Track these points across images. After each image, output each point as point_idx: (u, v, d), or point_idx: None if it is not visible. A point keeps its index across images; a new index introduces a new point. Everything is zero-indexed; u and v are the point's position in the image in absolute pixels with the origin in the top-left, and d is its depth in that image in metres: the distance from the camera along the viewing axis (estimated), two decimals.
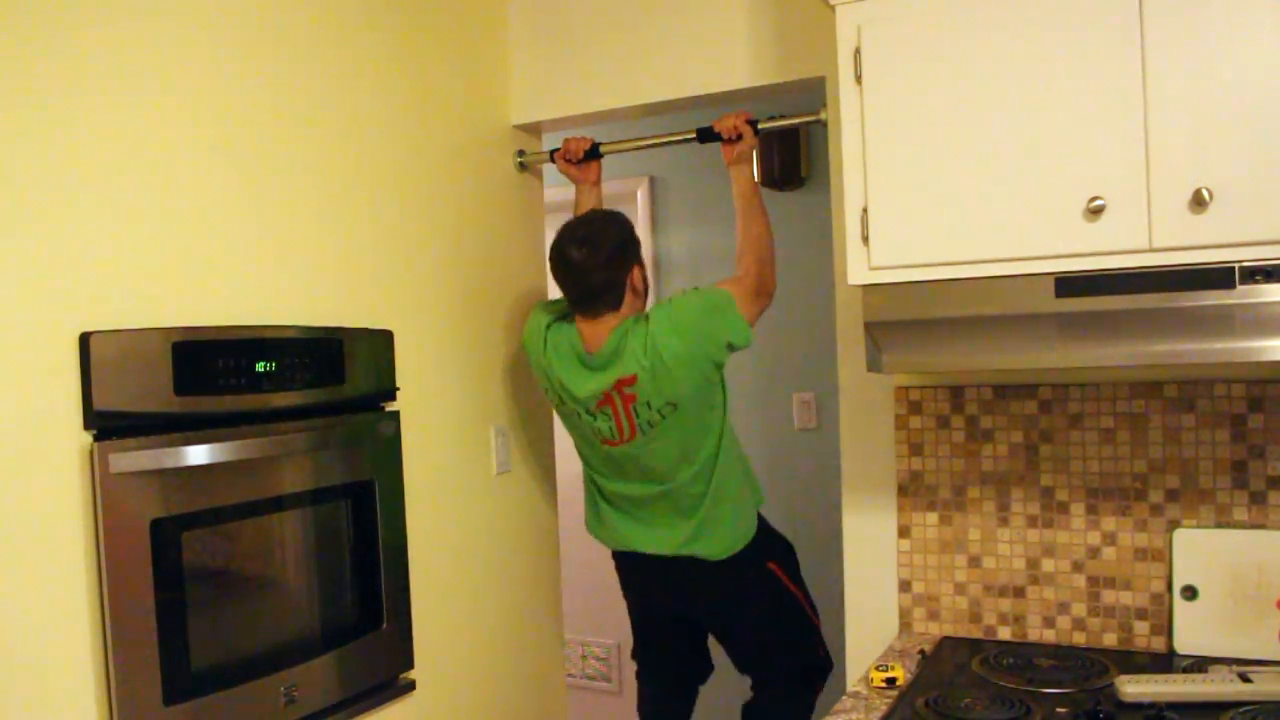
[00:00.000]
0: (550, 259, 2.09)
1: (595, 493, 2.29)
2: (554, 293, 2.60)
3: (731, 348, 2.05)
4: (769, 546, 2.24)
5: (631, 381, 2.00)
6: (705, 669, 2.46)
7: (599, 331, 2.06)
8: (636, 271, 2.09)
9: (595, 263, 2.01)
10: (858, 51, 1.75)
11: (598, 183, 2.40)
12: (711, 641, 2.40)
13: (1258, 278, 1.52)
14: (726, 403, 2.16)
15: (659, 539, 2.18)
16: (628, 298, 2.07)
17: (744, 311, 2.06)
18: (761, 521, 2.24)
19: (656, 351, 1.99)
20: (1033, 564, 2.02)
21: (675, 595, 2.28)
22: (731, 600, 2.21)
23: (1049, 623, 2.01)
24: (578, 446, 2.25)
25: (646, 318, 2.04)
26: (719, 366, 2.07)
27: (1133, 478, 1.94)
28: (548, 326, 2.15)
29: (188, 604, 1.59)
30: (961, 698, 1.68)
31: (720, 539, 2.15)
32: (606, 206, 2.66)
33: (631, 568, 2.32)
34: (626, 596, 2.41)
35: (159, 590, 1.54)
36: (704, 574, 2.17)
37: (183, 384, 1.57)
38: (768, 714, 2.30)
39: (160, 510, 1.54)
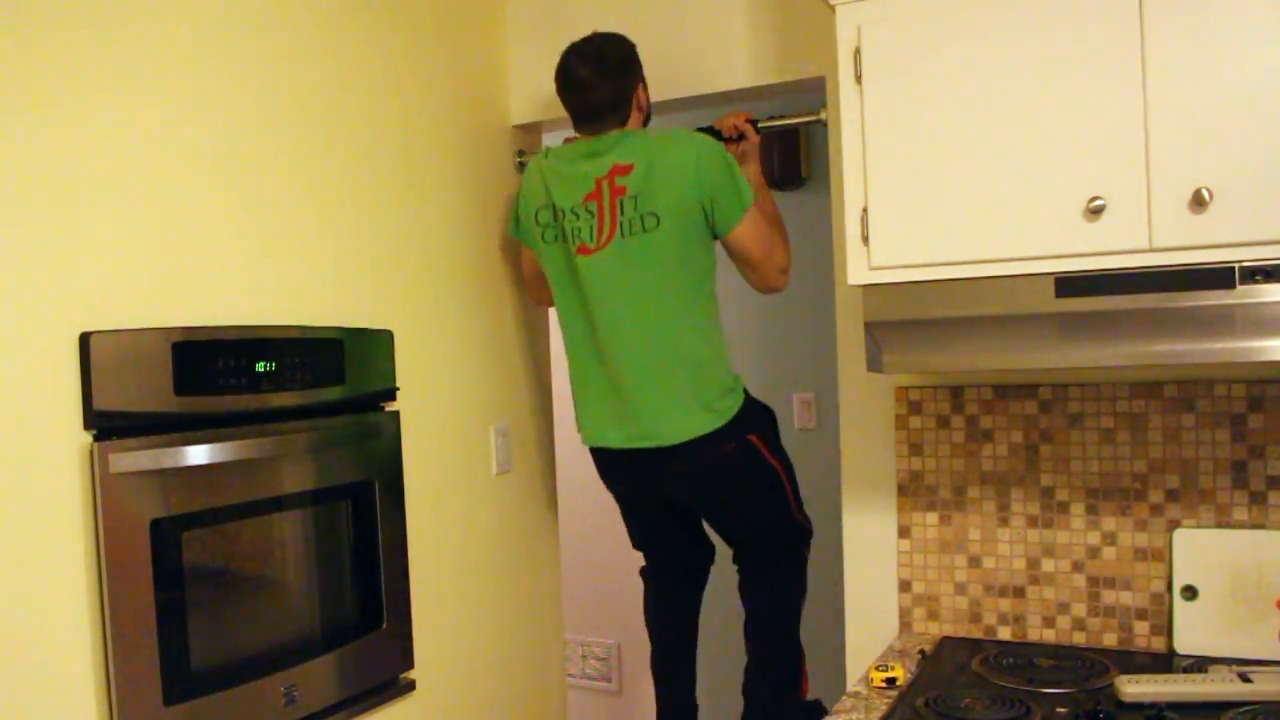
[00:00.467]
0: (556, 79, 2.09)
1: (575, 377, 2.23)
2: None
3: (715, 206, 2.01)
4: (750, 418, 2.17)
5: (627, 170, 1.98)
6: (705, 551, 2.45)
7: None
8: (641, 89, 2.10)
9: (603, 77, 2.03)
10: (858, 51, 1.75)
11: None
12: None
13: (1258, 278, 1.52)
14: (712, 277, 2.11)
15: (634, 423, 2.10)
16: (633, 115, 2.08)
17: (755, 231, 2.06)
18: (745, 393, 2.18)
19: (662, 148, 1.99)
20: (1033, 564, 2.02)
21: (655, 481, 2.22)
22: (713, 476, 2.16)
23: (1049, 623, 2.01)
24: (557, 294, 2.18)
25: (660, 131, 2.05)
26: (706, 216, 2.03)
27: (1133, 478, 1.94)
28: (547, 154, 2.16)
29: (188, 604, 1.59)
30: (961, 698, 1.68)
31: (689, 412, 2.07)
32: None
33: (607, 459, 2.27)
34: (610, 489, 2.37)
35: (159, 590, 1.54)
36: (682, 454, 2.10)
37: (183, 384, 1.57)
38: (759, 583, 2.30)
39: (160, 510, 1.54)
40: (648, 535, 2.43)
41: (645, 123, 2.20)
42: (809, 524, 2.34)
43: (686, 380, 2.07)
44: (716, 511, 2.31)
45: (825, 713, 2.28)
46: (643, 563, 2.49)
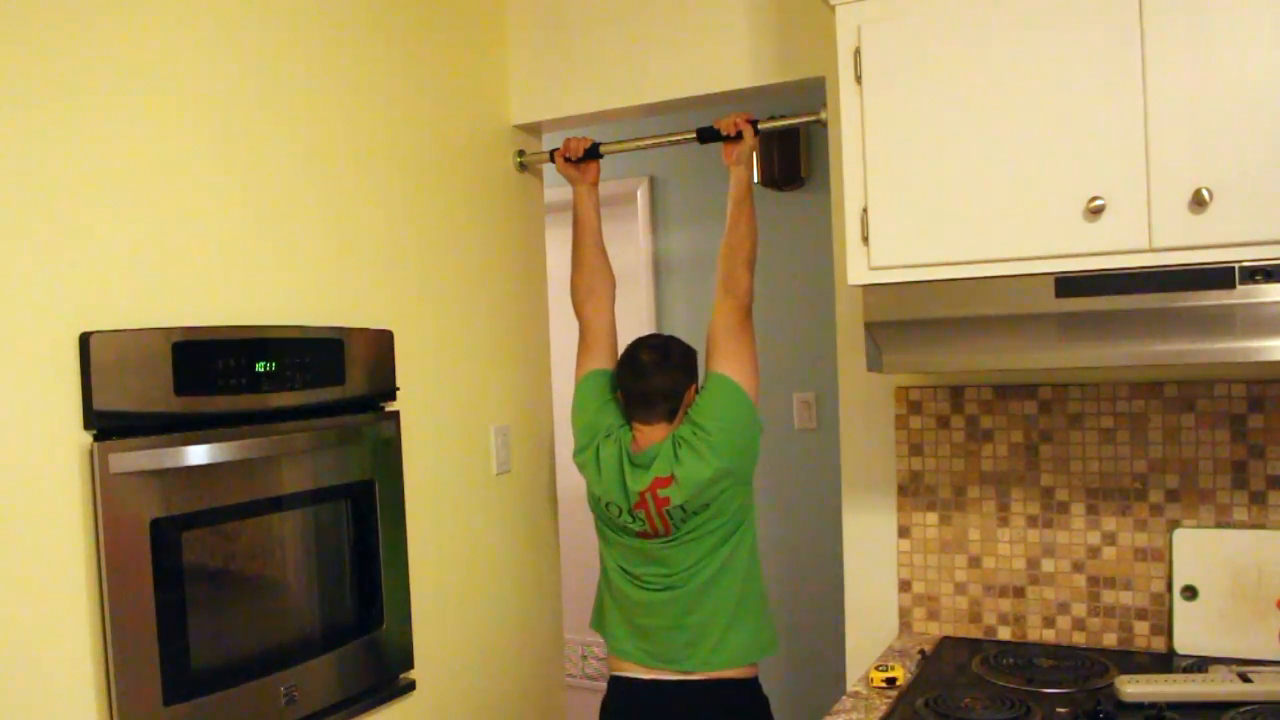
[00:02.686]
0: (621, 362, 2.18)
1: (608, 592, 2.25)
2: (554, 297, 2.61)
3: (755, 447, 2.13)
4: (762, 699, 2.18)
5: (666, 483, 2.05)
6: None
7: (652, 436, 2.12)
8: (693, 389, 2.16)
9: (662, 368, 2.11)
10: (858, 51, 1.75)
11: (596, 184, 2.40)
12: None
13: (1258, 278, 1.52)
14: (753, 507, 2.18)
15: (661, 649, 2.13)
16: (681, 411, 2.14)
17: (748, 365, 2.13)
18: (764, 702, 2.18)
19: (689, 474, 2.04)
20: (1033, 564, 2.02)
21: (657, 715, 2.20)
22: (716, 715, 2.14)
23: (1049, 623, 2.01)
24: (600, 532, 2.24)
25: (674, 442, 2.09)
26: (746, 482, 2.13)
27: (1133, 478, 1.94)
28: (606, 435, 2.19)
29: (188, 604, 1.59)
30: (961, 698, 1.68)
31: (719, 648, 2.10)
32: (606, 207, 2.66)
33: (617, 693, 2.23)
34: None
35: (159, 590, 1.54)
36: (690, 691, 2.11)
37: (183, 384, 1.57)
38: None
39: (160, 510, 1.54)
40: None
41: None
42: None
43: (721, 623, 2.11)
44: None
45: None
46: None
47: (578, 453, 2.23)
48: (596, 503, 2.20)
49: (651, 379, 2.10)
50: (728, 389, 2.09)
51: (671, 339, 2.20)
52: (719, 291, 2.15)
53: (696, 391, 2.18)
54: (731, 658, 2.10)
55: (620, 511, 2.13)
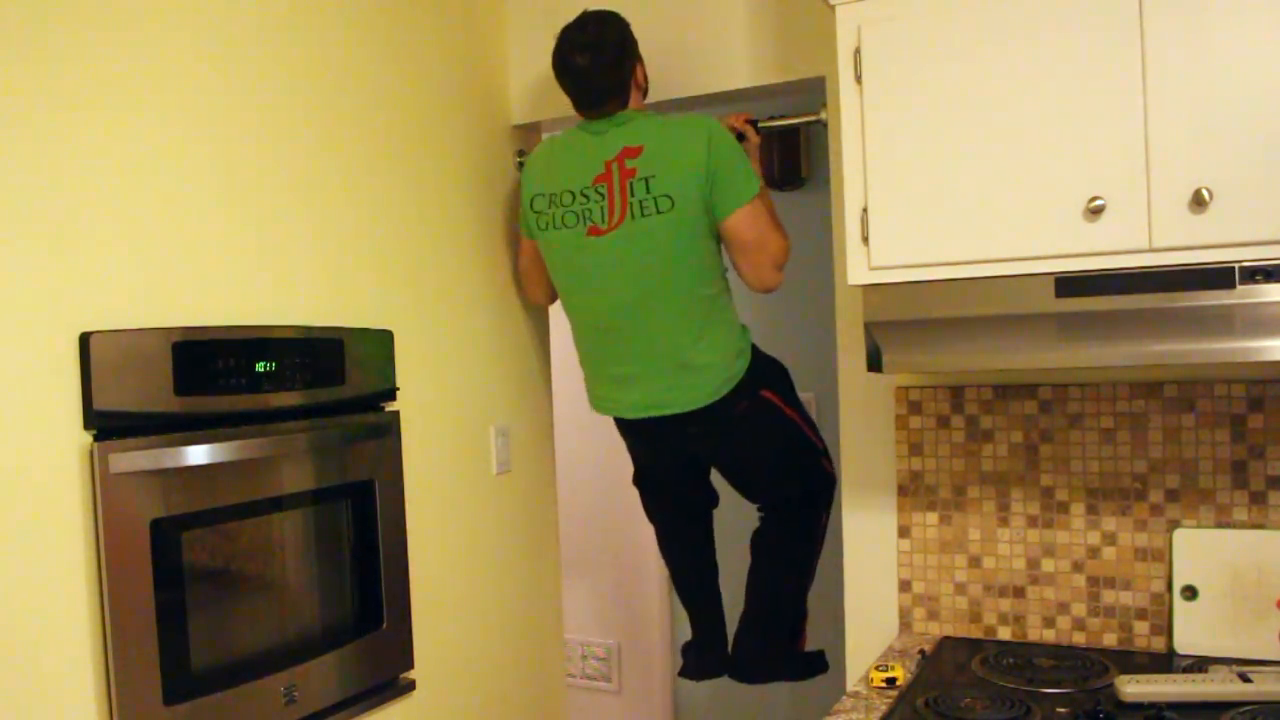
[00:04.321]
0: (554, 66, 2.09)
1: (583, 351, 2.24)
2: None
3: (714, 186, 2.00)
4: (762, 374, 2.17)
5: (636, 153, 1.98)
6: (710, 500, 2.44)
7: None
8: (639, 68, 2.11)
9: (601, 65, 2.03)
10: (858, 52, 1.75)
11: None
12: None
13: (1258, 278, 1.52)
14: (721, 260, 2.12)
15: (644, 392, 2.12)
16: (634, 96, 2.09)
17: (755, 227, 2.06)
18: (754, 350, 2.18)
19: (672, 129, 1.98)
20: (1033, 564, 2.02)
21: (672, 442, 2.23)
22: (729, 435, 2.16)
23: (1049, 623, 2.01)
24: (560, 277, 2.18)
25: (670, 115, 2.05)
26: (707, 210, 2.03)
27: (1133, 478, 1.94)
28: (551, 144, 2.16)
29: (188, 604, 1.59)
30: (961, 698, 1.68)
31: (702, 384, 2.08)
32: None
33: (625, 425, 2.28)
34: (625, 438, 2.36)
35: (159, 590, 1.54)
36: (696, 418, 2.11)
37: (183, 384, 1.57)
38: (777, 540, 2.27)
39: (160, 510, 1.54)
40: (653, 472, 2.40)
41: (644, 97, 2.20)
42: (834, 475, 2.29)
43: (698, 353, 2.08)
44: (738, 469, 2.27)
45: (826, 667, 2.27)
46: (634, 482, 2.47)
47: (521, 203, 2.20)
48: (547, 205, 2.10)
49: (591, 79, 2.04)
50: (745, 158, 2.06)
51: (600, 25, 2.07)
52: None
53: (644, 67, 2.13)
54: (722, 386, 2.09)
55: (574, 197, 2.05)
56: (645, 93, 2.21)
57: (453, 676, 2.21)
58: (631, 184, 2.00)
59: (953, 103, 1.69)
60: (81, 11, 1.50)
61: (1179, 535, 1.89)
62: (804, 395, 3.44)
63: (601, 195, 2.04)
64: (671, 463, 2.34)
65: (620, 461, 2.57)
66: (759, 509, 2.31)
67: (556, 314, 2.67)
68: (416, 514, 2.09)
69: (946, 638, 2.06)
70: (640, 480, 2.45)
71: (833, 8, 1.78)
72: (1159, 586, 1.92)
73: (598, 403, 2.26)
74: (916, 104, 1.71)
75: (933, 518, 2.10)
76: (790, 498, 2.25)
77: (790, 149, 3.40)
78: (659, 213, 2.01)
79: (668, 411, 2.12)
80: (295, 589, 1.81)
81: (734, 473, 2.30)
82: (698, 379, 2.09)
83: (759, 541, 2.31)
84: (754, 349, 2.18)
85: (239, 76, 1.76)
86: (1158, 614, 1.93)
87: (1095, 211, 1.59)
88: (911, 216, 1.73)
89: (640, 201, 2.01)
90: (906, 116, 1.72)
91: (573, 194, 2.09)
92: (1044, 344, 1.67)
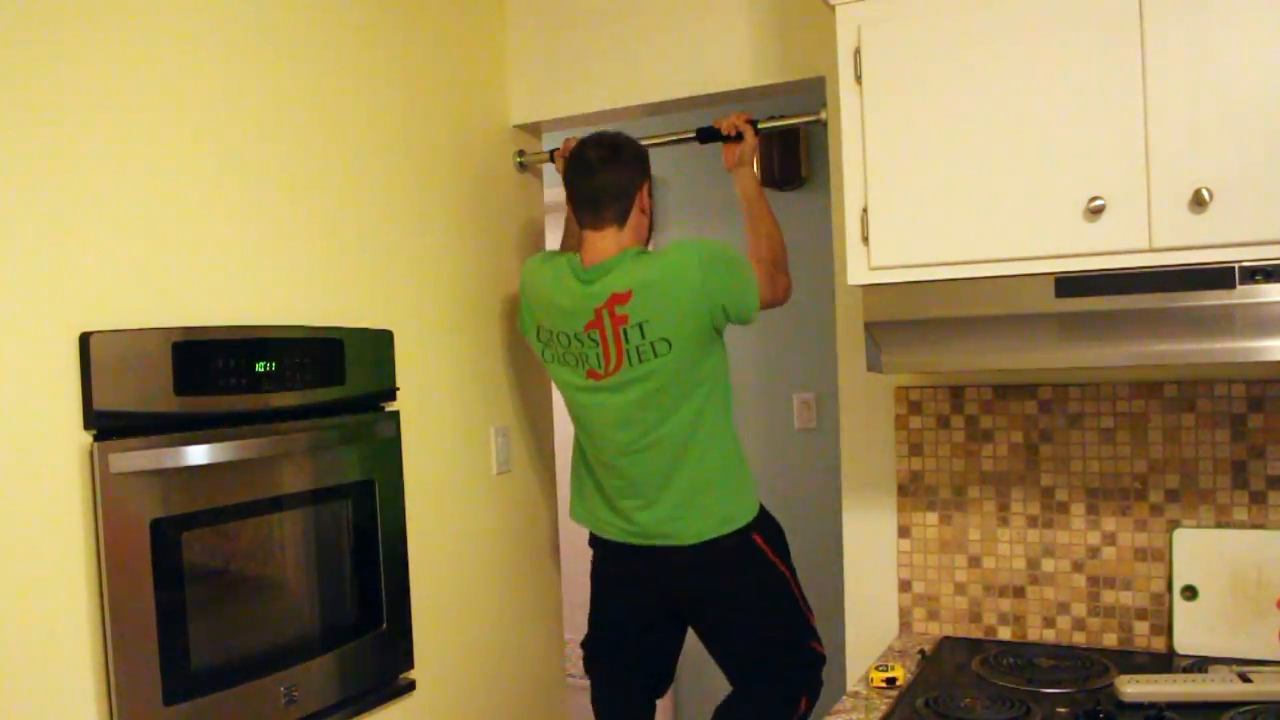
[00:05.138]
0: (567, 163, 2.10)
1: (581, 467, 2.23)
2: None
3: (727, 315, 2.00)
4: (755, 522, 2.11)
5: (625, 299, 1.93)
6: (665, 678, 2.29)
7: (602, 247, 2.02)
8: (646, 189, 2.08)
9: (611, 164, 2.03)
10: (858, 52, 1.75)
11: None
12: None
13: (1258, 278, 1.52)
14: (726, 379, 2.09)
15: (637, 520, 2.09)
16: (634, 215, 2.04)
17: (763, 273, 2.05)
18: (760, 506, 2.15)
19: (659, 270, 1.94)
20: (1033, 564, 2.02)
21: (650, 582, 2.15)
22: (710, 575, 2.09)
23: (1049, 623, 2.01)
24: (568, 407, 2.17)
25: (649, 252, 2.01)
26: (717, 328, 2.01)
27: (1133, 478, 1.94)
28: (544, 259, 2.16)
29: (188, 604, 1.59)
30: (961, 698, 1.68)
31: (703, 519, 2.05)
32: None
33: (607, 554, 2.23)
34: (595, 584, 2.27)
35: (159, 590, 1.54)
36: (681, 555, 2.08)
37: (183, 384, 1.57)
38: (741, 715, 2.11)
39: (160, 510, 1.54)
40: (615, 622, 2.26)
41: (649, 230, 2.16)
42: (822, 654, 2.16)
43: (702, 487, 2.07)
44: (717, 619, 2.14)
45: None
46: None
47: (524, 276, 2.18)
48: (549, 315, 2.08)
49: (599, 175, 2.01)
50: (728, 246, 2.02)
51: (621, 135, 2.09)
52: None
53: (650, 193, 2.11)
54: (716, 527, 2.06)
55: (570, 338, 2.03)
56: (650, 229, 2.16)
57: (453, 676, 2.21)
58: (624, 331, 1.96)
59: (953, 103, 1.69)
60: (82, 11, 1.50)
61: (1179, 535, 1.89)
62: (804, 395, 3.47)
63: (595, 342, 2.00)
64: (646, 611, 2.21)
65: None
66: (732, 683, 2.16)
67: None
68: (416, 514, 2.09)
69: (946, 638, 2.06)
70: (593, 644, 2.31)
71: (833, 8, 1.79)
72: (1159, 586, 1.92)
73: (586, 520, 2.22)
74: (916, 104, 1.71)
75: (933, 518, 2.10)
76: (769, 670, 2.11)
77: (790, 149, 3.40)
78: (657, 356, 1.97)
79: (666, 543, 2.09)
80: (295, 589, 1.81)
81: (709, 626, 2.17)
82: (700, 513, 2.06)
83: (723, 716, 2.14)
84: (760, 506, 2.16)
85: (239, 77, 1.76)
86: (1158, 614, 1.93)
87: (1095, 211, 1.59)
88: (911, 216, 1.73)
89: (636, 348, 1.97)
90: (906, 116, 1.72)
91: (568, 337, 2.05)
92: (1044, 344, 1.67)
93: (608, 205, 2.02)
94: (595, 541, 2.26)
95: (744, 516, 2.09)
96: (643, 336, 1.96)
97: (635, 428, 2.06)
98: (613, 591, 2.25)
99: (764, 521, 2.15)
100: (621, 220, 2.03)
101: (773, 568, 2.12)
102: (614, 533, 2.18)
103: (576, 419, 2.18)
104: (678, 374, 2.00)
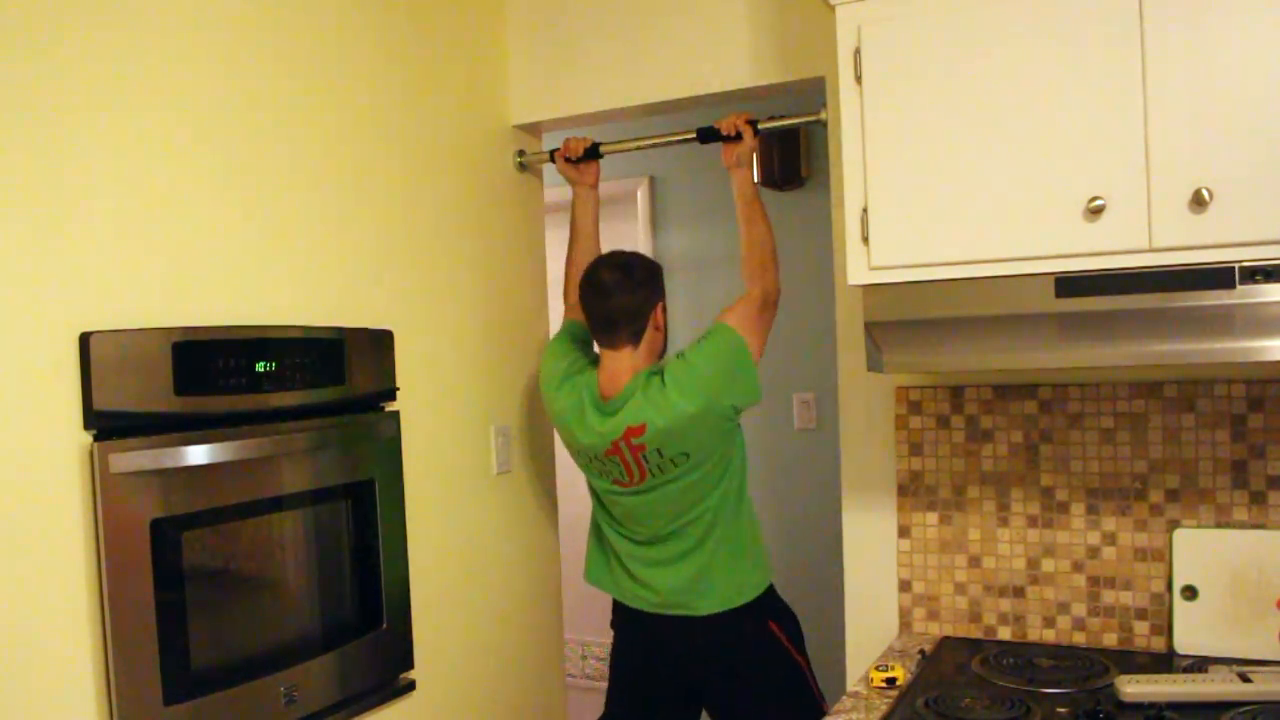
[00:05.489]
0: (581, 284, 2.14)
1: (599, 538, 2.27)
2: (553, 298, 2.61)
3: (738, 410, 2.08)
4: (772, 606, 2.18)
5: (640, 431, 2.01)
6: None
7: (617, 371, 2.08)
8: (660, 307, 2.13)
9: (626, 286, 2.07)
10: (858, 52, 1.75)
11: (595, 185, 2.40)
12: None
13: (1258, 278, 1.52)
14: (743, 454, 2.16)
15: (658, 588, 2.14)
16: (648, 333, 2.10)
17: (753, 340, 2.07)
18: (770, 587, 2.19)
19: (668, 410, 2.00)
20: (1033, 564, 2.02)
21: (669, 657, 2.19)
22: (726, 656, 2.14)
23: (1049, 623, 2.01)
24: (588, 482, 2.23)
25: (661, 375, 2.05)
26: (730, 420, 2.08)
27: (1133, 478, 1.94)
28: (563, 378, 2.17)
29: (188, 604, 1.59)
30: (961, 698, 1.68)
31: (720, 590, 2.11)
32: (606, 206, 2.65)
33: (626, 625, 2.26)
34: (613, 667, 2.32)
35: (159, 590, 1.54)
36: (699, 628, 2.12)
37: (183, 384, 1.57)
38: None
39: (160, 510, 1.54)
40: (633, 703, 2.28)
41: (664, 343, 2.19)
42: None
43: (719, 563, 2.11)
44: (732, 697, 2.16)
45: None
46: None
47: (543, 385, 2.21)
48: (567, 439, 2.16)
49: (614, 298, 2.05)
50: (729, 336, 2.05)
51: (635, 255, 2.15)
52: (746, 284, 2.15)
53: (665, 312, 2.15)
54: (731, 598, 2.11)
55: (591, 457, 2.09)
56: (664, 342, 2.19)
57: (453, 676, 2.21)
58: (644, 456, 2.04)
59: (953, 103, 1.69)
60: (82, 10, 1.50)
61: (1179, 535, 1.89)
62: (804, 395, 3.47)
63: (618, 463, 2.07)
64: (662, 688, 2.22)
65: None
66: None
67: (556, 314, 2.67)
68: (416, 514, 2.09)
69: (946, 638, 2.06)
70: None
71: (833, 8, 1.79)
72: (1159, 586, 1.92)
73: (610, 586, 2.24)
74: (916, 104, 1.71)
75: (933, 518, 2.10)
76: None
77: (790, 149, 3.40)
78: (677, 467, 2.04)
79: (684, 613, 2.12)
80: (295, 589, 1.81)
81: (727, 707, 2.19)
82: (717, 583, 2.11)
83: None
84: (771, 587, 2.20)
85: (239, 77, 1.76)
86: (1158, 614, 1.93)
87: (1095, 211, 1.59)
88: (911, 216, 1.73)
89: (659, 465, 2.05)
90: (906, 116, 1.72)
91: (589, 456, 2.12)
92: (1044, 344, 1.67)
93: (623, 327, 2.07)
94: (616, 621, 2.30)
95: (757, 587, 2.15)
96: (661, 456, 2.04)
97: (660, 519, 2.12)
98: (631, 670, 2.29)
99: (781, 610, 2.20)
100: (636, 340, 2.09)
101: (787, 657, 2.17)
102: (632, 599, 2.21)
103: (600, 505, 2.23)
104: (702, 471, 2.07)
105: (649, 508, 2.10)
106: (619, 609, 2.28)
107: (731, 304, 2.13)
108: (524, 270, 2.53)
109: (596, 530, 2.28)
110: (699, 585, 2.11)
